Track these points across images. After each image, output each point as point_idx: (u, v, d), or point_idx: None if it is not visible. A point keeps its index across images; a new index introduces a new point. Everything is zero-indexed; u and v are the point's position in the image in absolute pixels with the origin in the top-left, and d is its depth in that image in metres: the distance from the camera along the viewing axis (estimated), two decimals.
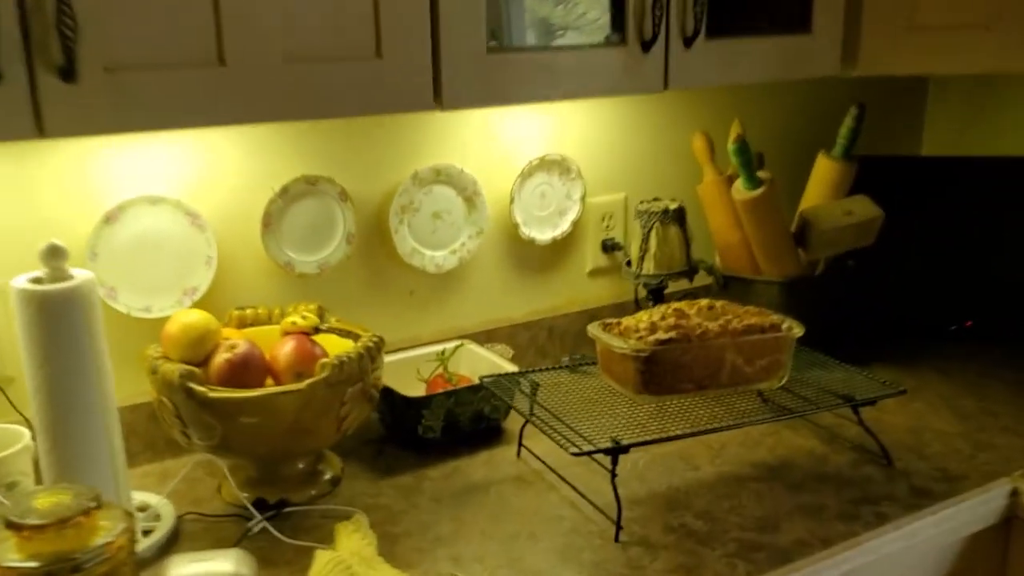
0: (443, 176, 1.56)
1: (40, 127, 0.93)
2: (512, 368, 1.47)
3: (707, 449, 1.41)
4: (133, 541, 1.01)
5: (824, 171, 1.68)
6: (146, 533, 1.19)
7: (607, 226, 1.78)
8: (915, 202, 1.82)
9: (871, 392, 1.35)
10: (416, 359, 1.53)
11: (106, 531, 0.96)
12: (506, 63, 1.18)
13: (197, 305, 1.37)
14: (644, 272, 1.62)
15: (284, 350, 1.24)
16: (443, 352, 1.53)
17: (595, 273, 1.79)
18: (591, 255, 1.77)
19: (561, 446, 1.17)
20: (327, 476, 1.32)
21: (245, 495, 1.27)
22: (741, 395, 1.42)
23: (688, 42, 1.30)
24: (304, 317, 1.27)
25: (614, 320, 1.31)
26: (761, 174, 1.58)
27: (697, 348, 1.25)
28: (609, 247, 1.78)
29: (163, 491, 1.27)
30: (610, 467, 1.19)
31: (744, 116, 1.79)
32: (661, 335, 1.23)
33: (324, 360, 1.19)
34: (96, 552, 0.93)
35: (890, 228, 1.69)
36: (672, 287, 1.68)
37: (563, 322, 1.73)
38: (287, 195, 1.42)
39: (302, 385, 1.17)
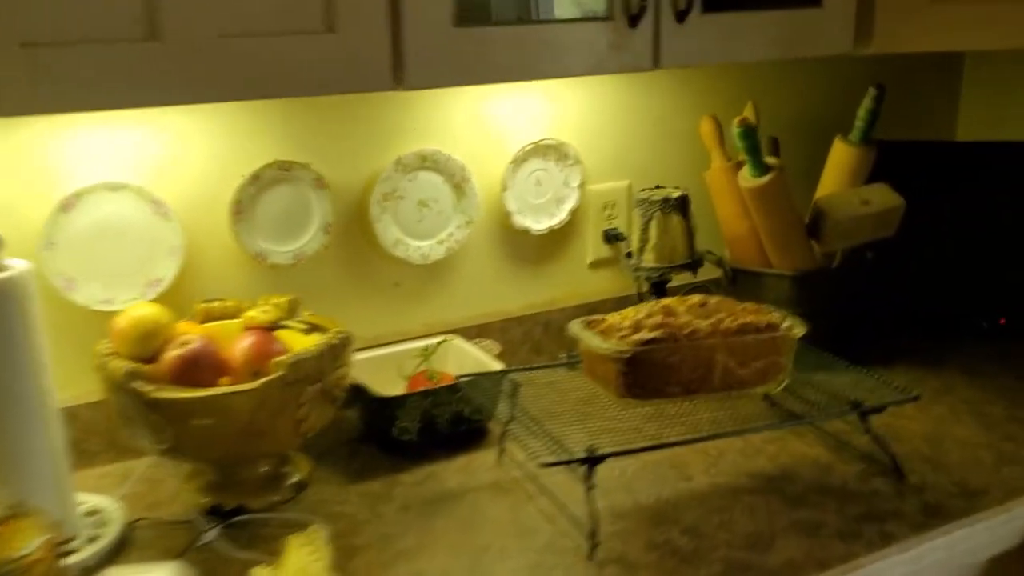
0: (429, 162, 1.47)
1: None
2: (497, 366, 1.38)
3: (703, 456, 1.31)
4: (59, 554, 0.94)
5: (841, 157, 1.56)
6: (93, 540, 1.12)
7: (609, 215, 1.67)
8: (942, 189, 1.69)
9: (881, 398, 1.24)
10: (399, 355, 1.45)
11: (25, 543, 0.89)
12: (476, 38, 1.09)
13: (162, 297, 1.30)
14: (644, 264, 1.51)
15: (241, 347, 1.16)
16: (426, 348, 1.44)
17: (596, 265, 1.69)
18: (592, 246, 1.67)
19: (531, 455, 1.07)
20: (292, 480, 1.24)
21: (206, 500, 1.20)
22: (746, 398, 1.32)
23: (681, 16, 1.19)
24: (265, 312, 1.19)
25: (598, 317, 1.22)
26: (769, 160, 1.47)
27: (685, 349, 1.14)
28: (611, 237, 1.67)
29: (118, 494, 1.20)
30: (587, 478, 1.09)
31: (758, 97, 1.67)
32: (645, 334, 1.13)
33: (279, 358, 1.11)
34: (10, 566, 0.87)
35: (916, 217, 1.57)
36: (677, 280, 1.57)
37: (560, 316, 1.63)
38: (259, 182, 1.35)
39: (254, 385, 1.09)
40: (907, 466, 1.25)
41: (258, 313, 1.19)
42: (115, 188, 1.26)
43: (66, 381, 1.28)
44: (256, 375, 1.13)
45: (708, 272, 1.62)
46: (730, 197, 1.55)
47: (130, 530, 1.16)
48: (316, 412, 1.16)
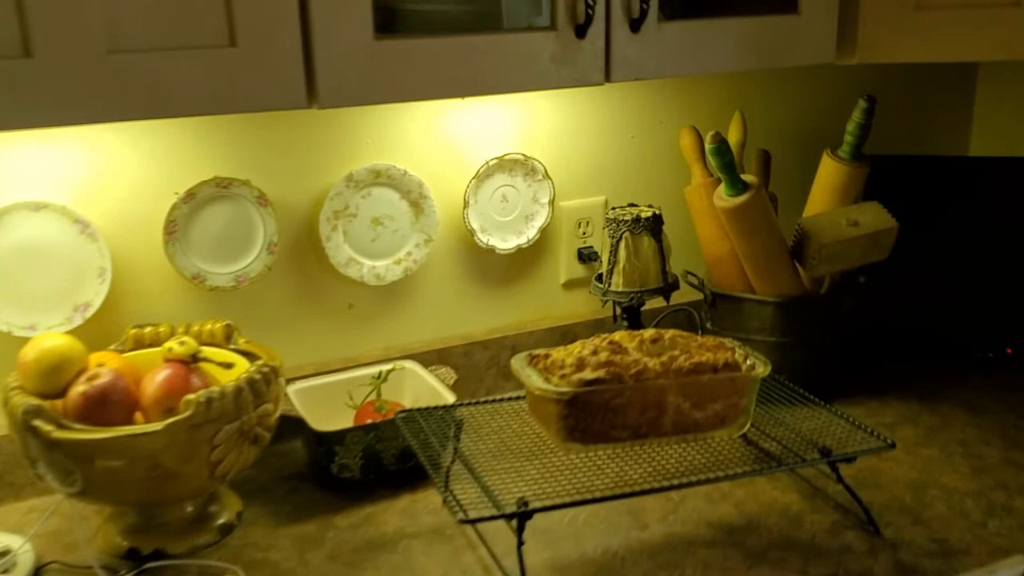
0: (383, 177, 1.38)
1: None
2: (449, 397, 1.29)
3: (664, 501, 1.20)
4: None
5: (829, 174, 1.45)
6: None
7: (584, 233, 1.57)
8: (943, 208, 1.57)
9: (858, 444, 1.13)
10: (350, 382, 1.37)
11: None
12: (400, 51, 1.00)
13: (92, 322, 1.23)
14: (612, 288, 1.41)
15: (153, 382, 1.08)
16: (378, 375, 1.35)
17: (571, 285, 1.59)
18: (565, 265, 1.57)
19: (451, 510, 0.98)
20: (219, 522, 1.16)
21: (125, 542, 1.13)
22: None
23: (635, 25, 1.09)
24: (182, 343, 1.11)
25: (542, 351, 1.12)
26: (747, 178, 1.36)
27: (631, 390, 1.04)
28: (586, 257, 1.58)
29: (30, 533, 1.13)
30: (517, 533, 1.00)
31: (750, 108, 1.57)
32: (587, 374, 1.04)
33: (188, 396, 1.03)
34: None
35: (914, 239, 1.45)
36: (651, 305, 1.47)
37: (530, 340, 1.53)
38: (194, 200, 1.27)
39: (158, 426, 1.01)
40: (884, 518, 1.14)
41: (175, 344, 1.11)
42: (37, 207, 1.19)
43: None
44: (169, 412, 1.06)
45: (689, 294, 1.52)
46: (710, 216, 1.44)
47: (42, 574, 1.09)
48: (234, 453, 1.08)
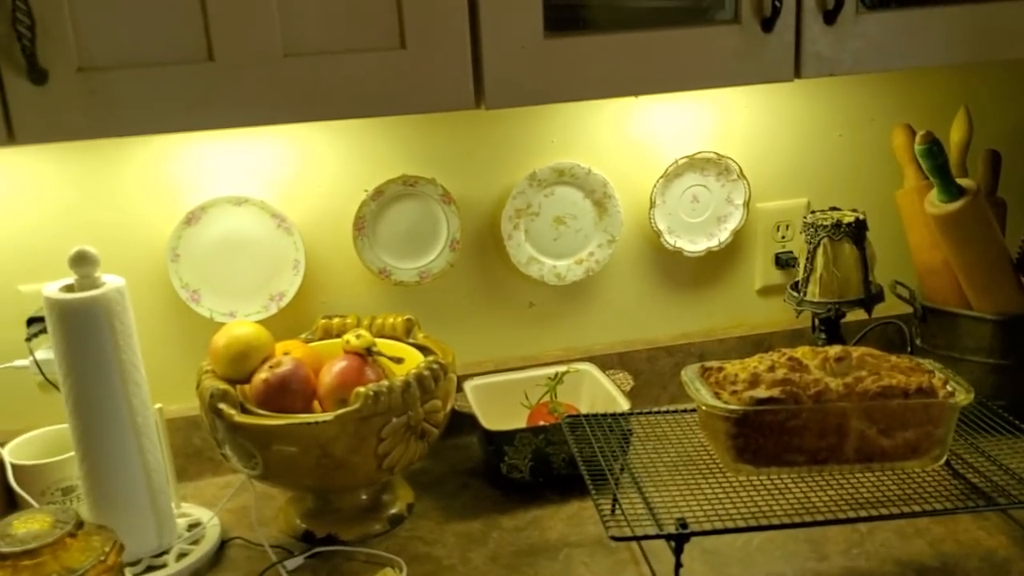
0: (567, 176, 1.36)
1: (11, 133, 0.87)
2: (624, 404, 1.25)
3: (849, 532, 1.11)
4: (118, 570, 0.94)
5: None
6: (182, 556, 1.12)
7: (783, 237, 1.48)
8: None
9: None
10: (527, 381, 1.36)
11: (83, 560, 0.89)
12: (570, 49, 0.97)
13: (285, 311, 1.30)
14: (808, 298, 1.32)
15: (330, 372, 1.12)
16: (554, 376, 1.34)
17: (767, 292, 1.50)
18: (762, 271, 1.49)
19: (604, 523, 0.95)
20: (390, 512, 1.19)
21: (302, 525, 1.18)
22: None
23: (830, 17, 1.01)
24: (359, 336, 1.14)
25: (715, 364, 1.06)
26: (963, 182, 1.22)
27: (809, 412, 0.97)
28: (785, 263, 1.48)
29: (220, 507, 1.20)
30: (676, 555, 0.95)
31: (977, 104, 1.42)
32: (761, 391, 0.97)
33: (358, 389, 1.06)
34: None
35: None
36: (853, 317, 1.36)
37: (720, 349, 1.47)
38: (382, 197, 1.30)
39: (327, 416, 1.04)
40: None
41: (352, 337, 1.14)
42: (238, 202, 1.26)
43: (192, 390, 1.31)
44: (342, 403, 1.09)
45: (898, 307, 1.40)
46: (922, 222, 1.31)
47: (222, 548, 1.16)
48: (401, 447, 1.09)
